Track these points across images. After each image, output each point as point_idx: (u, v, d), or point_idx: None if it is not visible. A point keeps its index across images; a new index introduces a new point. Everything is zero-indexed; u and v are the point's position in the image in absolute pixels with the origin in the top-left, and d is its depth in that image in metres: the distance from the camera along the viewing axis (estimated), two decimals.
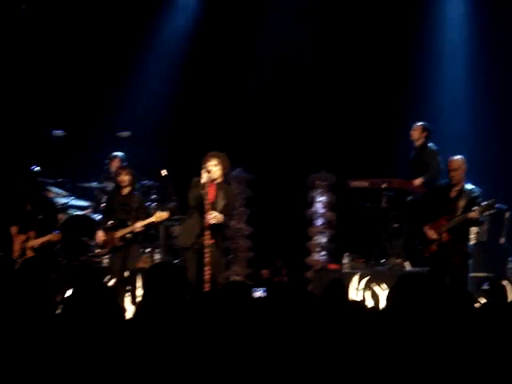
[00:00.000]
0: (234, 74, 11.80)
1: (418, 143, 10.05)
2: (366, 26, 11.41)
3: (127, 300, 9.07)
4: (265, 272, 11.66)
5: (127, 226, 8.90)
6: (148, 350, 3.60)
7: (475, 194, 8.44)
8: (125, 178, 8.98)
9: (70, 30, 11.82)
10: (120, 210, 8.98)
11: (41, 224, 8.96)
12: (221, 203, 8.30)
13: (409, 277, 3.81)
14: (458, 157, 8.54)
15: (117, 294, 3.85)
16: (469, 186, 8.52)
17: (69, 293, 3.83)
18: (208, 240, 8.17)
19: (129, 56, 11.97)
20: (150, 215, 9.05)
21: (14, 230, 9.19)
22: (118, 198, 9.06)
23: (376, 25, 11.34)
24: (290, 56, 11.65)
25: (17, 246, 9.11)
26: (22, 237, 9.08)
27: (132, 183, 9.04)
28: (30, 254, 8.99)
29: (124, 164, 10.09)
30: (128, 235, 8.89)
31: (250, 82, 11.69)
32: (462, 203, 8.40)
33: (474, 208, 8.27)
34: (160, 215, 8.97)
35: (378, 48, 11.39)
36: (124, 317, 3.91)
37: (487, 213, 8.50)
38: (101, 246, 9.18)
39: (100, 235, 9.09)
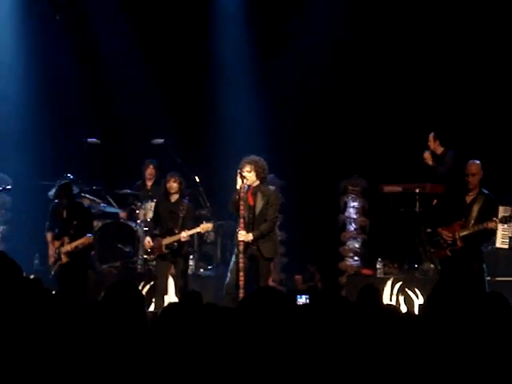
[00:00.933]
0: (265, 79, 11.82)
1: (439, 152, 10.07)
2: (397, 28, 11.36)
3: None
4: (298, 278, 11.67)
5: (174, 233, 8.95)
6: (174, 359, 3.62)
7: (490, 201, 8.36)
8: (173, 185, 8.99)
9: (106, 35, 11.97)
10: (168, 217, 9.03)
11: (75, 230, 9.07)
12: (260, 203, 8.40)
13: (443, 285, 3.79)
14: (476, 162, 8.44)
15: (144, 300, 3.88)
16: (485, 191, 8.43)
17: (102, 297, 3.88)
18: (242, 245, 8.29)
19: (158, 61, 12.06)
20: (198, 224, 9.09)
21: (49, 236, 9.34)
22: (166, 205, 9.09)
23: (405, 28, 11.30)
24: (320, 59, 11.64)
25: (52, 252, 9.25)
26: (57, 243, 9.21)
27: (180, 190, 9.05)
28: (64, 259, 9.11)
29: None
30: (174, 244, 8.96)
31: (280, 86, 11.71)
32: (476, 208, 8.32)
33: (494, 218, 8.18)
34: (206, 226, 9.04)
35: (409, 51, 11.34)
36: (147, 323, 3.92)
37: (506, 225, 8.33)
38: (148, 253, 9.25)
39: (148, 241, 9.16)
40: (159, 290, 9.11)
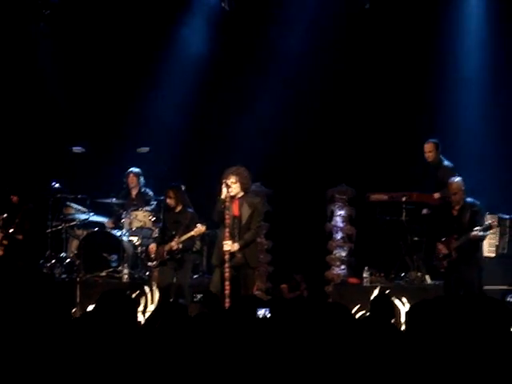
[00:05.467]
0: (252, 88, 11.80)
1: (431, 160, 10.07)
2: (385, 38, 11.38)
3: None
4: (284, 287, 11.63)
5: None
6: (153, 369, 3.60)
7: (476, 209, 8.96)
8: (169, 201, 9.30)
9: (91, 44, 11.91)
10: (172, 225, 9.34)
11: (15, 227, 9.63)
12: (245, 215, 8.49)
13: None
14: (456, 180, 9.02)
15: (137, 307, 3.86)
16: (469, 200, 9.01)
17: (90, 308, 3.86)
18: (227, 254, 8.34)
19: (148, 70, 12.02)
20: (192, 228, 9.25)
21: None
22: (171, 216, 9.40)
23: (395, 38, 11.32)
24: (307, 69, 11.64)
25: None
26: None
27: (180, 201, 9.31)
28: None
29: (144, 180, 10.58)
30: (174, 249, 9.18)
31: (267, 96, 11.70)
32: (466, 219, 8.92)
33: (475, 228, 8.76)
34: (198, 229, 9.20)
35: (397, 60, 11.37)
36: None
37: (489, 232, 9.08)
38: (151, 259, 9.59)
39: (151, 247, 9.62)
40: (162, 297, 9.20)
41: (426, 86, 11.26)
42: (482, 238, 8.99)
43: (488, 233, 9.03)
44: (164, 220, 9.59)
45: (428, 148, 9.99)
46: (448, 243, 8.94)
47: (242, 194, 8.50)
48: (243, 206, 8.48)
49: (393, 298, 9.40)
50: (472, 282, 8.76)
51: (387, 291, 9.48)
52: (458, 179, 9.03)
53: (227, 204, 8.39)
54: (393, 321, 9.06)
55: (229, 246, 8.35)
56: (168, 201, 9.30)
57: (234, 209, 8.47)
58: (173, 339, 3.85)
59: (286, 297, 11.12)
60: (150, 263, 9.72)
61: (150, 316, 4.09)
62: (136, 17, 11.89)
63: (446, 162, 10.01)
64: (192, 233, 9.19)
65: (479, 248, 9.03)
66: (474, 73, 11.18)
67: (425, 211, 9.94)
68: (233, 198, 8.44)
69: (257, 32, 11.77)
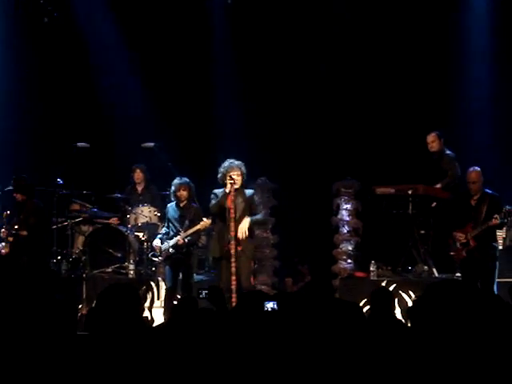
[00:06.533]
0: (256, 82, 11.77)
1: (435, 149, 10.07)
2: (391, 31, 11.35)
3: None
4: (288, 280, 11.61)
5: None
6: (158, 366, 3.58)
7: (495, 200, 8.99)
8: (183, 193, 9.30)
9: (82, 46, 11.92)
10: (177, 220, 9.35)
11: (19, 224, 9.43)
12: (240, 208, 8.61)
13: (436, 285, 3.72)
14: (476, 169, 9.06)
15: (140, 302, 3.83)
16: (489, 192, 9.07)
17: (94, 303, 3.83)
18: (233, 248, 8.36)
19: (150, 68, 12.00)
20: (198, 222, 9.29)
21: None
22: (176, 211, 9.41)
23: (401, 29, 11.28)
24: (312, 63, 11.61)
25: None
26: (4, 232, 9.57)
27: (190, 196, 9.35)
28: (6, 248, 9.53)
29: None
30: (180, 243, 9.19)
31: (272, 89, 11.68)
32: (484, 209, 8.97)
33: (494, 215, 8.79)
34: (204, 223, 9.22)
35: (400, 55, 11.34)
36: (146, 325, 3.88)
37: (509, 218, 9.05)
38: (156, 255, 9.53)
39: (155, 244, 9.50)
40: (168, 293, 9.26)
41: (431, 77, 11.22)
42: (501, 225, 9.05)
43: (506, 220, 8.98)
44: (168, 216, 9.51)
45: (431, 138, 10.09)
46: (465, 232, 9.00)
47: (238, 186, 8.62)
48: (237, 199, 8.59)
49: (400, 292, 9.45)
50: (489, 271, 8.77)
51: (393, 286, 9.49)
52: (477, 168, 9.06)
53: (232, 197, 8.47)
54: (400, 315, 9.08)
55: (241, 230, 8.46)
56: (183, 193, 9.26)
57: (228, 202, 8.54)
58: (183, 334, 3.84)
59: (290, 290, 11.09)
60: (155, 258, 9.70)
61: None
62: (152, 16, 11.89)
63: (448, 152, 10.05)
64: (198, 226, 9.21)
65: (495, 238, 9.11)
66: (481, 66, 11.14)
67: (434, 204, 9.90)
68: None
69: (259, 25, 11.74)
